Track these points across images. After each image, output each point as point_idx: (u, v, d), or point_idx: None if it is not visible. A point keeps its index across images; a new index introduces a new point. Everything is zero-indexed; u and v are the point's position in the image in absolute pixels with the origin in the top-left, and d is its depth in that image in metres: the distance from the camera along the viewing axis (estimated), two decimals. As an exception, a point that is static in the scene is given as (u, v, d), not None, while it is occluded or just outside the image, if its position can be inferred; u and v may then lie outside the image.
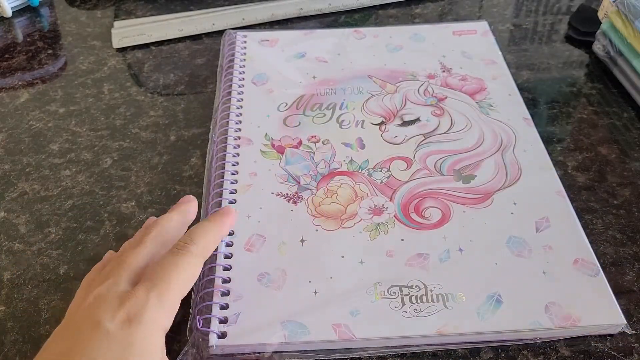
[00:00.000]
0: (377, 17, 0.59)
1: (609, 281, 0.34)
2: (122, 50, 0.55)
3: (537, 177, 0.40)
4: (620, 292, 0.34)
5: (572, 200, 0.39)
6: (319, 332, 0.31)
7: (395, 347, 0.32)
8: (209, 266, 0.34)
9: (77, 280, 0.36)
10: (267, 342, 0.31)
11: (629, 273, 0.35)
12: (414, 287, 0.33)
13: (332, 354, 0.31)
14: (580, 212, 0.39)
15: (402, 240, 0.36)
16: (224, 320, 0.32)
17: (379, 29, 0.54)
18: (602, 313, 0.32)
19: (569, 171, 0.42)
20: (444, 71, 0.49)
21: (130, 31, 0.57)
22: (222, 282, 0.34)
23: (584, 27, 0.55)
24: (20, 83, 0.52)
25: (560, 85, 0.50)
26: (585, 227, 0.38)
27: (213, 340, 0.31)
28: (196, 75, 0.52)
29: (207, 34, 0.57)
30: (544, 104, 0.48)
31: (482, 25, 0.54)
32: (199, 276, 0.32)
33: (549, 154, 0.43)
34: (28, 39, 0.57)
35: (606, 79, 0.51)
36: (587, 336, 0.32)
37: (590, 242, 0.36)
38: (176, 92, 0.50)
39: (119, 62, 0.54)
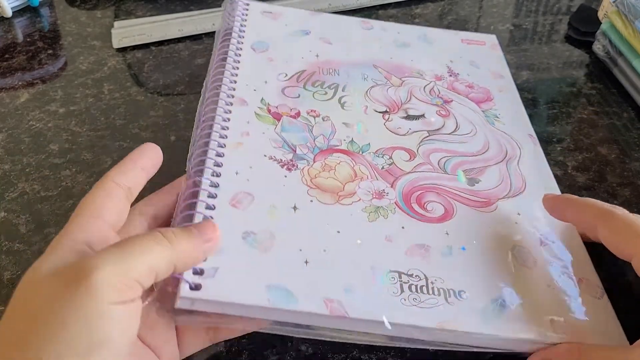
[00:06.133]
0: (377, 17, 0.59)
1: (609, 281, 0.34)
2: (122, 50, 0.55)
3: (543, 195, 0.37)
4: (620, 292, 0.34)
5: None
6: (308, 304, 0.28)
7: (390, 336, 0.29)
8: (187, 213, 0.30)
9: (77, 280, 0.36)
10: (247, 303, 0.27)
11: (628, 274, 0.35)
12: (414, 276, 0.31)
13: (316, 331, 0.28)
14: (580, 212, 0.39)
15: (403, 227, 0.34)
16: (199, 272, 0.28)
17: (387, 23, 0.52)
18: (607, 335, 0.31)
19: (569, 171, 0.42)
20: (450, 75, 0.47)
21: (130, 31, 0.57)
22: None
23: (584, 27, 0.55)
24: (20, 83, 0.52)
25: (560, 85, 0.50)
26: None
27: (184, 290, 0.27)
28: (196, 75, 0.52)
29: (207, 34, 0.57)
30: (543, 104, 0.48)
31: (491, 39, 0.52)
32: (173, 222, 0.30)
33: (549, 154, 0.43)
34: (28, 39, 0.57)
35: (606, 79, 0.51)
36: None
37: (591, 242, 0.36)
38: (176, 92, 0.50)
39: (119, 62, 0.54)
